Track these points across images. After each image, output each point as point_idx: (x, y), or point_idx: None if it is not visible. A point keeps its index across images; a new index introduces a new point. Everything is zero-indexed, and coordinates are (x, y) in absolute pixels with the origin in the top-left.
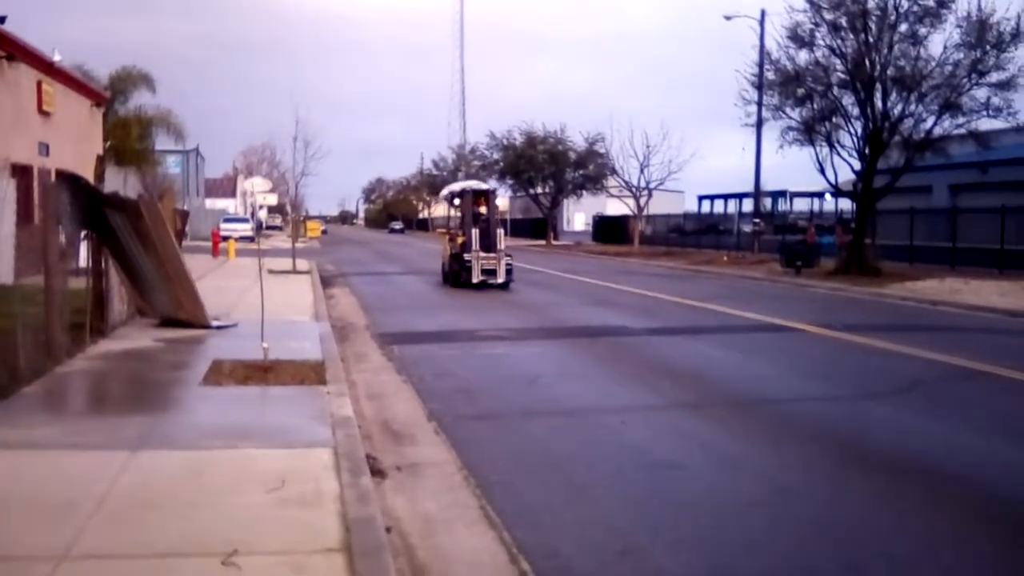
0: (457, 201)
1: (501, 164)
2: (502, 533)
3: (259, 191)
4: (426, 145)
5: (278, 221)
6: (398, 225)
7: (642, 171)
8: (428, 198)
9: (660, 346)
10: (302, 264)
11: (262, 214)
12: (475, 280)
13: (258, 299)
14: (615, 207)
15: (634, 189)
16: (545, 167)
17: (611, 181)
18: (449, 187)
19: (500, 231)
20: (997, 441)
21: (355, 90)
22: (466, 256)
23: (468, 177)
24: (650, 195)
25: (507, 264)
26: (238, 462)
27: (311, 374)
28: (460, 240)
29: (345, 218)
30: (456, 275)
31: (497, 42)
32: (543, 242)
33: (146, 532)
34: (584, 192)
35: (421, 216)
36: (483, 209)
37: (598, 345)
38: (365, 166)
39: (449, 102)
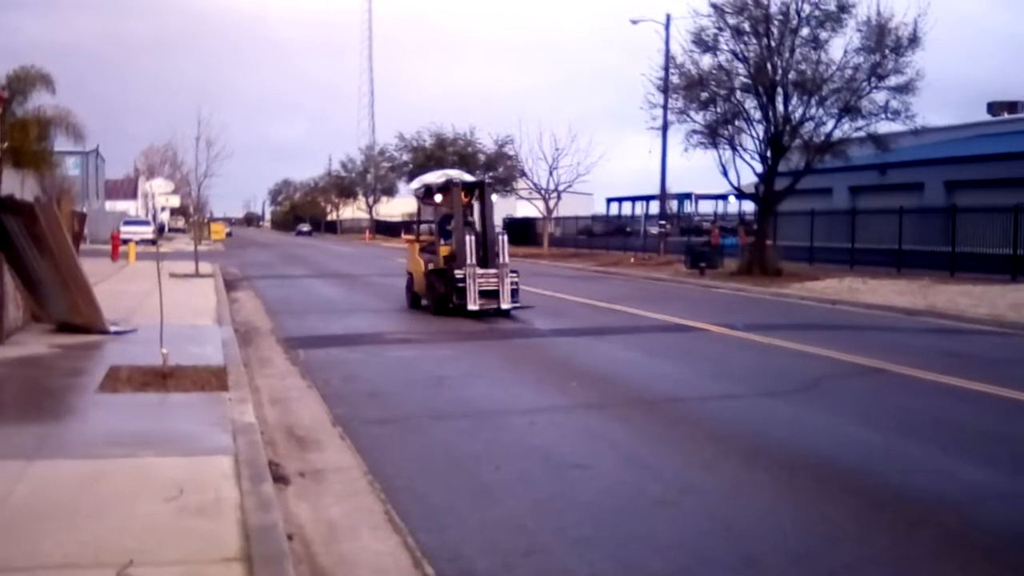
0: (438, 197)
1: (410, 166)
2: (406, 538)
3: (160, 193)
4: (335, 146)
5: (181, 223)
6: (306, 227)
7: (551, 173)
8: (336, 200)
9: (567, 347)
10: (205, 267)
11: (164, 216)
12: (472, 306)
13: (158, 303)
14: (525, 209)
15: (543, 191)
16: (455, 169)
17: (520, 183)
18: (421, 178)
19: (503, 237)
20: (893, 436)
21: (262, 90)
22: (457, 273)
23: (377, 179)
24: (559, 197)
25: (513, 283)
26: (136, 471)
27: (212, 380)
28: (444, 251)
29: (251, 220)
30: (442, 300)
31: (408, 43)
32: None
33: (41, 543)
34: (494, 194)
35: (329, 218)
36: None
37: (506, 347)
38: (272, 167)
39: (358, 103)
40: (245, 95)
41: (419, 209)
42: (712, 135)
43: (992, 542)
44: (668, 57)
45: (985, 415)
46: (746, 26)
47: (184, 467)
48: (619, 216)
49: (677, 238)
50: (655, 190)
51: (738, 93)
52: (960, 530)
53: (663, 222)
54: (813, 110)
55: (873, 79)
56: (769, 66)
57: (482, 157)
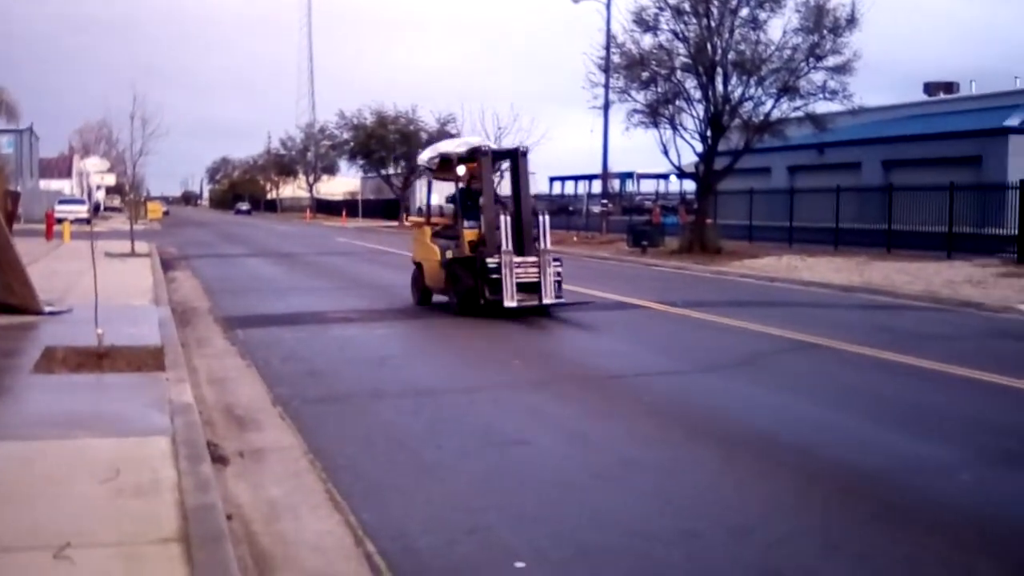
0: (461, 169)
1: (351, 144)
2: (348, 516)
3: (96, 171)
4: (275, 125)
5: (117, 202)
6: (245, 206)
7: None
8: (276, 178)
9: (510, 325)
10: (142, 246)
11: (100, 195)
12: (509, 302)
13: (94, 284)
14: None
15: None
16: (396, 147)
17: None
18: (435, 147)
19: (543, 218)
20: (829, 410)
21: (200, 68)
22: (490, 262)
23: (318, 157)
24: (502, 176)
25: (556, 273)
26: (71, 452)
27: (149, 360)
28: (471, 235)
29: (189, 199)
30: (470, 295)
31: (349, 20)
32: (396, 223)
33: None
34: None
35: (269, 197)
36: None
37: (447, 325)
38: (211, 146)
39: (298, 80)
40: (182, 73)
41: (429, 185)
42: (653, 114)
43: (926, 513)
44: (609, 36)
45: (918, 389)
46: (686, 6)
47: (121, 448)
48: (562, 195)
49: (620, 217)
50: (598, 169)
51: (678, 73)
52: (894, 501)
53: (605, 201)
54: (752, 90)
55: (811, 59)
56: (709, 46)
57: (424, 135)
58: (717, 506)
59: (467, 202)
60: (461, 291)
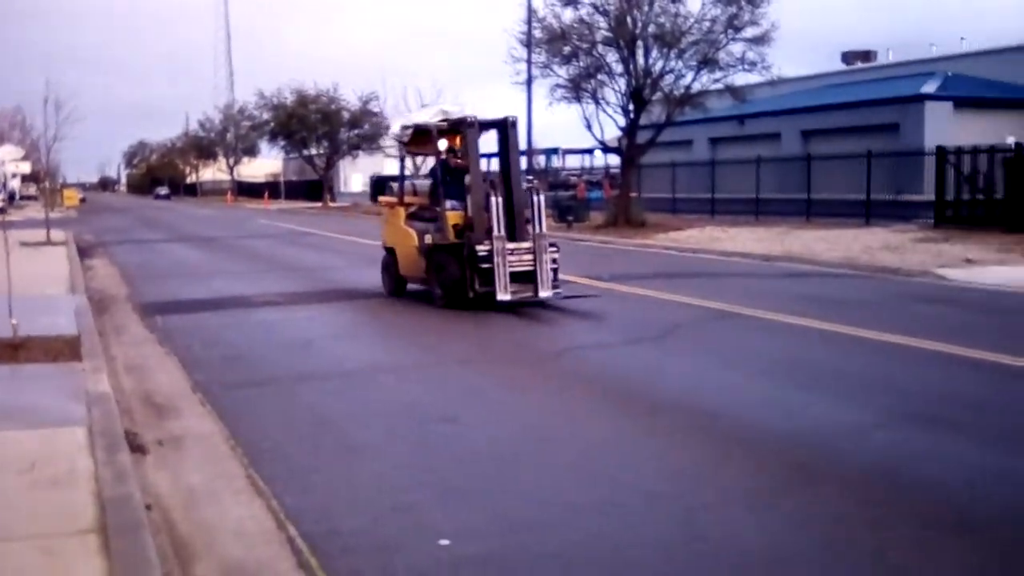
0: (442, 143)
1: (272, 124)
2: (270, 501)
3: (10, 159)
4: (193, 106)
5: (33, 191)
6: (163, 190)
7: None
8: (196, 161)
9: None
10: (57, 235)
11: (15, 184)
12: (503, 295)
13: (6, 273)
14: (393, 167)
15: None
16: (318, 127)
17: (388, 140)
18: (409, 117)
19: (537, 197)
20: (749, 376)
21: (116, 50)
22: (480, 249)
23: (238, 139)
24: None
25: (553, 260)
26: None
27: (65, 350)
28: (455, 218)
29: (106, 184)
30: (457, 287)
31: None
32: (320, 204)
33: None
34: (360, 152)
35: (189, 180)
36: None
37: (374, 305)
38: (128, 130)
39: (215, 60)
40: (98, 56)
41: (402, 160)
42: (575, 89)
43: (843, 475)
44: (530, 11)
45: (835, 353)
46: None
47: (37, 440)
48: (488, 171)
49: (546, 193)
50: (523, 145)
51: (600, 47)
52: (813, 465)
53: (531, 177)
54: (673, 63)
55: (730, 31)
56: (629, 19)
57: (346, 114)
58: (640, 474)
59: (447, 180)
60: (447, 282)
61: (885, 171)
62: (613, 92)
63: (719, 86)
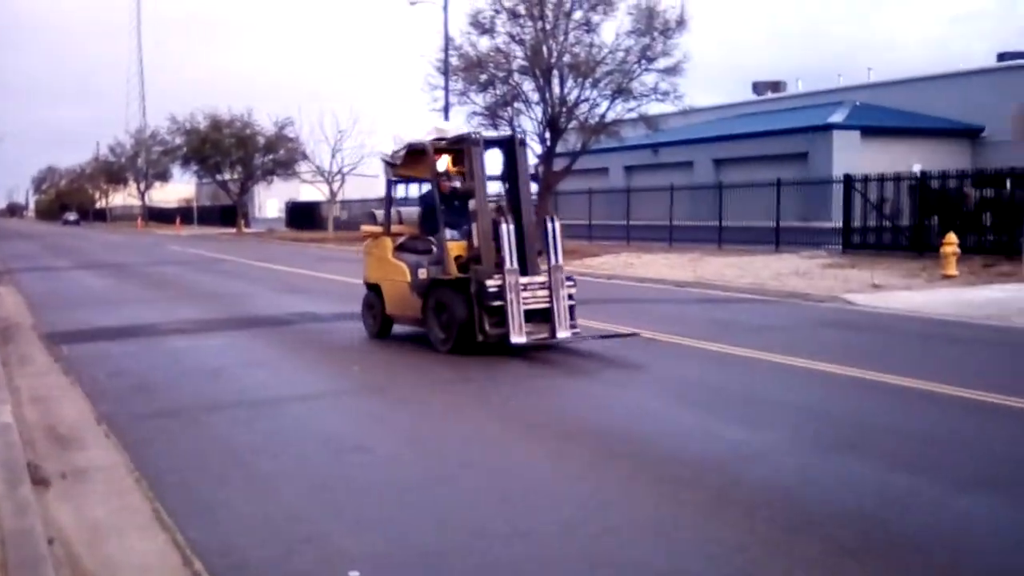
0: (442, 163)
1: (184, 149)
2: (176, 535)
3: None
4: (104, 131)
5: None
6: (72, 216)
7: (334, 155)
8: (106, 187)
9: (351, 331)
10: None
11: None
12: (517, 337)
13: None
14: (309, 193)
15: (326, 174)
16: (232, 151)
17: (303, 166)
18: (400, 138)
19: (554, 226)
20: (662, 401)
21: (25, 74)
22: (490, 284)
23: (149, 164)
24: (343, 180)
25: (570, 296)
26: None
27: None
28: (457, 249)
29: (14, 210)
30: (465, 329)
31: (181, 23)
32: (234, 230)
33: None
34: (275, 177)
35: (99, 206)
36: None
37: (287, 333)
38: (37, 155)
39: (128, 84)
40: (6, 79)
41: (389, 185)
42: (493, 117)
43: (753, 500)
44: (447, 39)
45: (747, 378)
46: (522, 9)
47: None
48: (405, 198)
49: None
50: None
51: (516, 75)
52: (724, 490)
53: None
54: (588, 92)
55: (643, 61)
56: (545, 49)
57: (261, 139)
58: (551, 501)
59: (454, 207)
60: (451, 324)
61: (794, 199)
62: (530, 120)
63: (633, 115)
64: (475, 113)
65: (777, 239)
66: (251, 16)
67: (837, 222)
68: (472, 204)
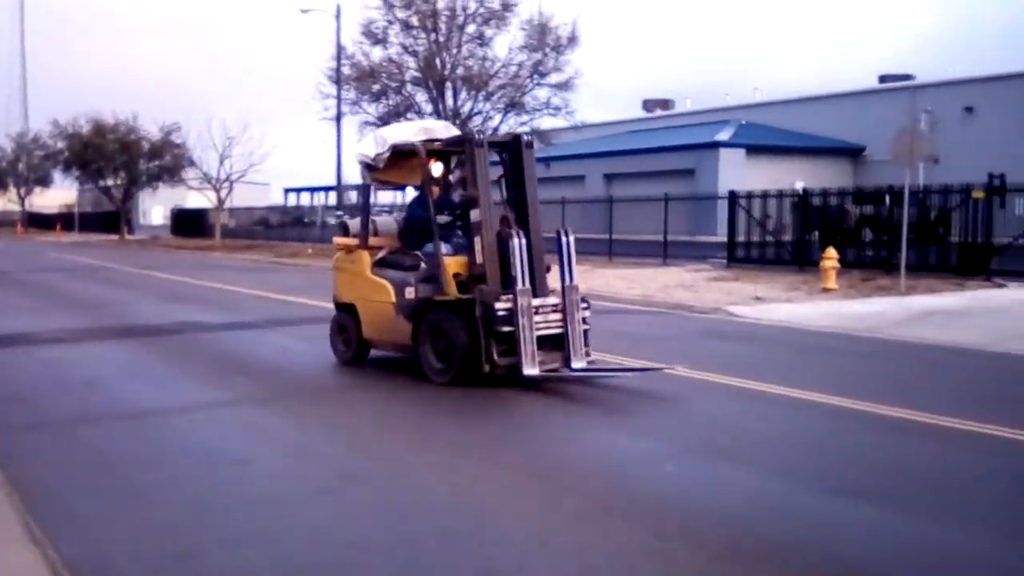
0: (436, 167)
1: (67, 154)
2: (47, 550)
3: None
4: None
5: None
6: None
7: (222, 162)
8: None
9: (236, 341)
10: None
11: None
12: (530, 368)
13: None
14: (196, 200)
15: (214, 181)
16: (116, 157)
17: (190, 173)
18: (383, 136)
19: (568, 239)
20: (547, 412)
21: None
22: (500, 307)
23: (30, 168)
24: (231, 187)
25: (584, 321)
26: None
27: None
28: (456, 266)
29: None
30: (469, 357)
31: (67, 25)
32: (116, 237)
33: None
34: (160, 184)
35: None
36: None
37: (169, 343)
38: None
39: (8, 87)
40: None
41: (366, 191)
42: (385, 127)
43: (633, 506)
44: (340, 48)
45: (635, 385)
46: (414, 20)
47: None
48: (298, 207)
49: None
50: (334, 181)
51: (409, 86)
52: (605, 497)
53: (340, 212)
54: (481, 105)
55: (536, 76)
56: (438, 61)
57: (146, 145)
58: (435, 511)
59: (452, 216)
60: (452, 352)
61: (682, 213)
62: None
63: (526, 129)
64: (367, 123)
65: (665, 252)
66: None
67: (723, 236)
68: (474, 214)
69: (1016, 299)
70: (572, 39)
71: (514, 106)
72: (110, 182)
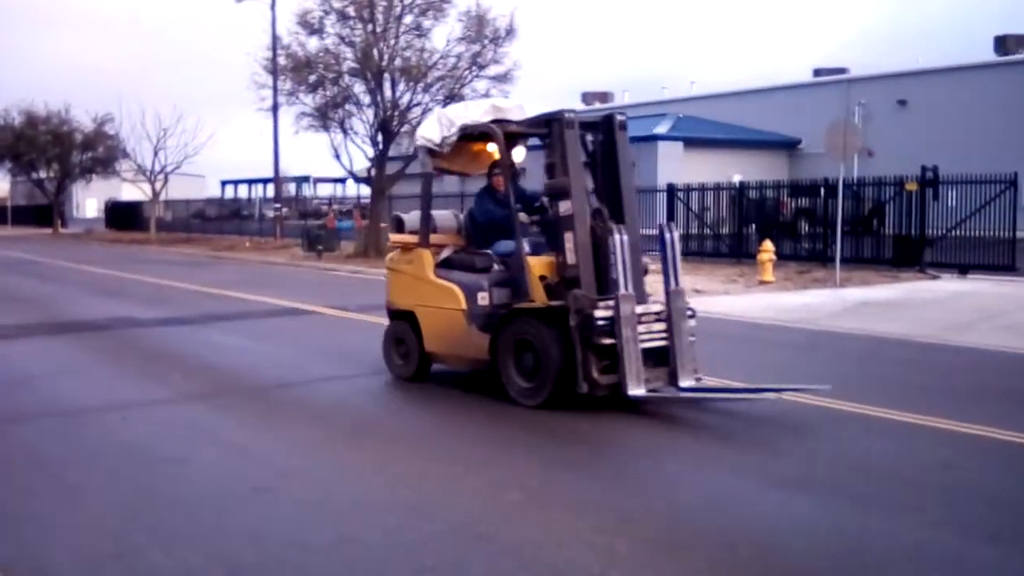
0: (519, 153)
1: None
2: None
3: None
4: None
5: None
6: None
7: (156, 154)
8: None
9: (172, 336)
10: None
11: None
12: (636, 388)
13: None
14: (131, 192)
15: (149, 173)
16: (48, 149)
17: (124, 165)
18: (451, 115)
19: (671, 236)
20: (489, 410)
21: None
22: (600, 316)
23: None
24: (166, 179)
25: (692, 330)
26: None
27: None
28: (541, 267)
29: None
30: (562, 375)
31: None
32: (50, 230)
33: None
34: (94, 176)
35: None
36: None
37: (104, 339)
38: None
39: None
40: None
41: (427, 181)
42: (323, 118)
43: (566, 497)
44: (275, 38)
45: None
46: (351, 11)
47: None
48: (235, 199)
49: (296, 221)
50: (269, 172)
51: (346, 77)
52: (540, 488)
53: (279, 205)
54: (420, 96)
55: (475, 68)
56: (375, 52)
57: (79, 136)
58: (375, 507)
59: (535, 209)
60: (545, 369)
61: None
62: (361, 122)
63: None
64: (304, 114)
65: None
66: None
67: None
68: (564, 206)
69: (949, 291)
70: (510, 31)
71: (453, 98)
72: (43, 174)
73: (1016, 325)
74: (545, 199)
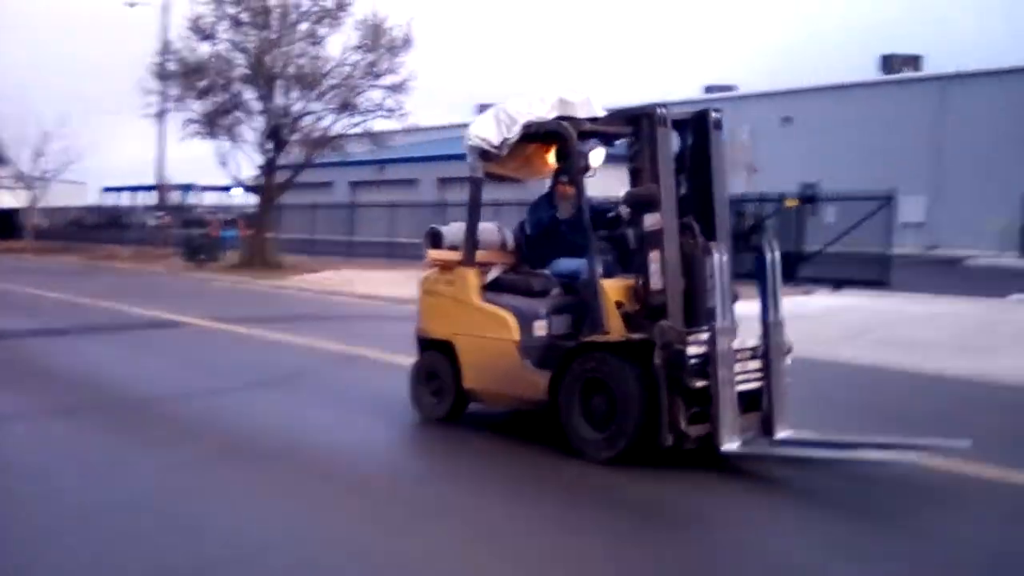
0: (596, 155)
1: None
2: None
3: None
4: None
5: None
6: None
7: (36, 160)
8: None
9: (40, 348)
10: None
11: None
12: (729, 441)
13: None
14: (5, 199)
15: (27, 179)
16: None
17: (2, 171)
18: (511, 111)
19: (773, 255)
20: (372, 418)
21: None
22: (692, 353)
23: None
24: (47, 186)
25: (788, 370)
26: None
27: None
28: (617, 292)
29: None
30: (642, 429)
31: None
32: None
33: None
34: None
35: None
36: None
37: None
38: None
39: None
40: None
41: (476, 187)
42: (210, 125)
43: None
44: (166, 43)
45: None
46: (245, 17)
47: None
48: (117, 207)
49: (179, 230)
50: (150, 179)
51: (237, 83)
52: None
53: (161, 213)
54: (313, 104)
55: (370, 77)
56: (268, 58)
57: None
58: (246, 526)
59: (607, 222)
60: (622, 417)
61: (518, 218)
62: (251, 130)
63: (359, 130)
64: (191, 120)
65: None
66: None
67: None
68: (649, 220)
69: (821, 305)
70: (406, 41)
71: (347, 107)
72: None
73: (884, 340)
74: (624, 209)
